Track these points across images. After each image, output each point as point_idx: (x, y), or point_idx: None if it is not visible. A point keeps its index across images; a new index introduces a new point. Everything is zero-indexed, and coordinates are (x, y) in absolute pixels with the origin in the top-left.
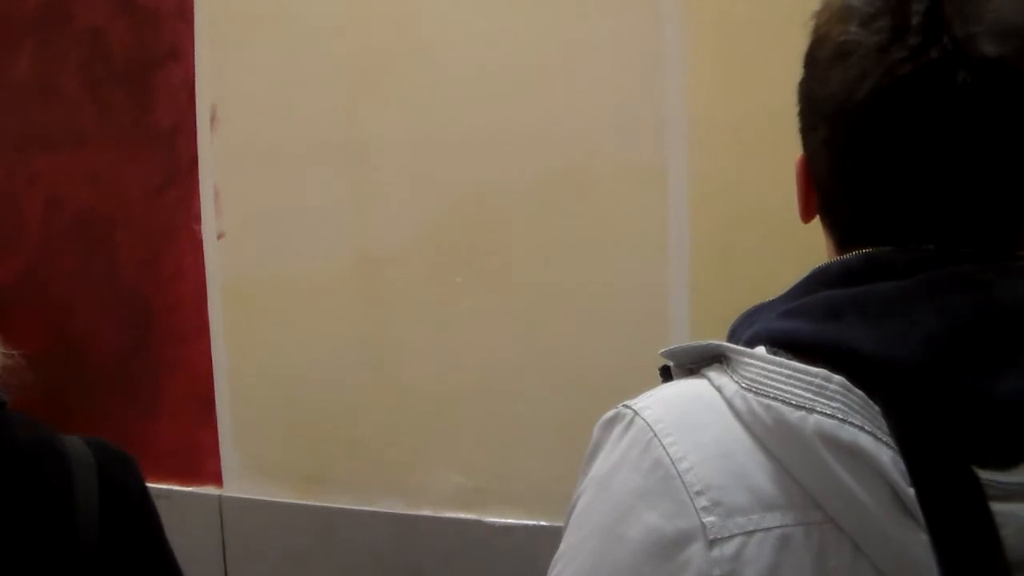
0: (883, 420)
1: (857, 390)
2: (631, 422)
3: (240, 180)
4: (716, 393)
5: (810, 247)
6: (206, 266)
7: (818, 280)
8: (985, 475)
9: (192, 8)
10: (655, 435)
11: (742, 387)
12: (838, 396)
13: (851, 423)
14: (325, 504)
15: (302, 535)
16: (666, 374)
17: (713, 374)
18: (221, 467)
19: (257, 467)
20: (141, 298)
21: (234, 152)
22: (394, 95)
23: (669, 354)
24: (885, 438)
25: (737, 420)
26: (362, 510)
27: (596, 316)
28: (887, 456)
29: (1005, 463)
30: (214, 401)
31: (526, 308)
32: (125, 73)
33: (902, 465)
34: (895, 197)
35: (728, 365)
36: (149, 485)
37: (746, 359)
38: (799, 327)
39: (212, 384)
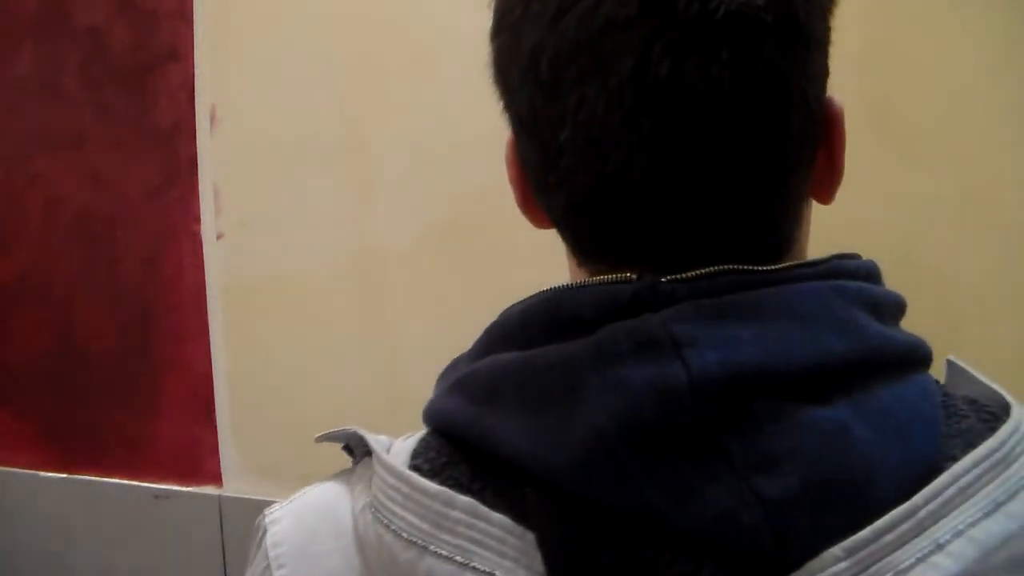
0: (537, 552)
1: (495, 516)
2: (261, 540)
3: (240, 180)
4: (351, 504)
5: (812, 246)
6: (206, 266)
7: (496, 334)
8: None
9: (192, 8)
10: (268, 565)
11: (367, 503)
12: (461, 527)
13: (476, 568)
14: None
15: None
16: (350, 450)
17: (358, 473)
18: (221, 467)
19: (257, 467)
20: (141, 298)
21: (234, 152)
22: (394, 95)
23: (323, 439)
24: None
25: (357, 549)
26: None
27: None
28: None
29: None
30: (214, 401)
31: None
32: (125, 73)
33: None
34: (583, 176)
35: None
36: (149, 485)
37: (377, 464)
38: (455, 409)
39: (212, 384)
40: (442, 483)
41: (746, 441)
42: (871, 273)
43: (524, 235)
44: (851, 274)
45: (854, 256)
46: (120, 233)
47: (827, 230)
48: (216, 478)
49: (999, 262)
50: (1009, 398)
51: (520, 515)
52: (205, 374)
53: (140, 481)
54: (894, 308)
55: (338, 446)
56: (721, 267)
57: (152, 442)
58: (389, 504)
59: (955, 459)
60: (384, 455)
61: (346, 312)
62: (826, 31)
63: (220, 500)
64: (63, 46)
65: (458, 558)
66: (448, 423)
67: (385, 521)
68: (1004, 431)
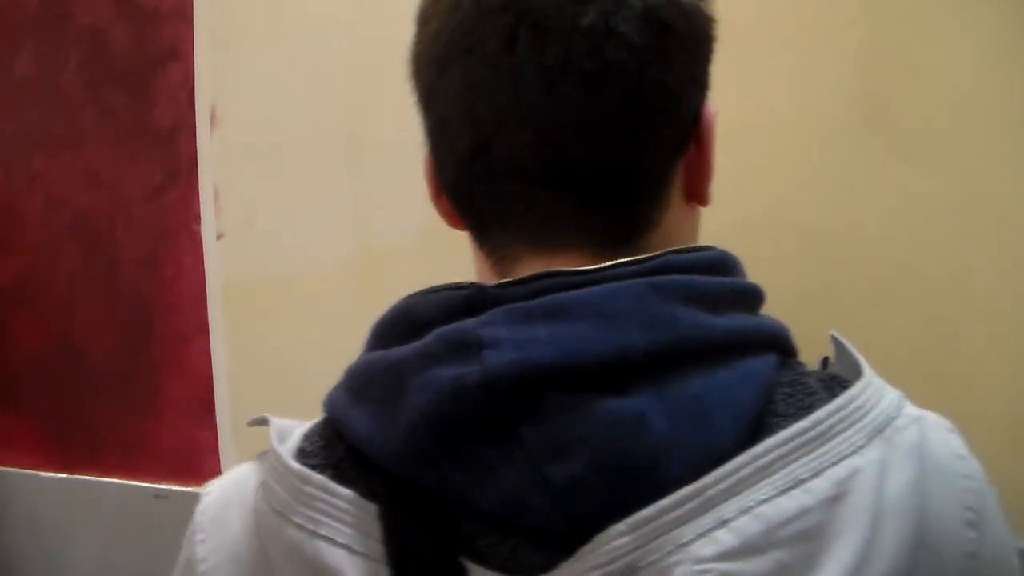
0: (377, 522)
1: (342, 491)
2: (196, 508)
3: (240, 180)
4: (256, 480)
5: (812, 248)
6: (206, 266)
7: (373, 333)
8: None
9: (192, 8)
10: (194, 528)
11: (263, 479)
12: (313, 500)
13: (321, 535)
14: None
15: None
16: None
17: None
18: (221, 467)
19: None
20: (141, 298)
21: (234, 152)
22: (394, 95)
23: (252, 424)
24: (364, 549)
25: (253, 517)
26: None
27: None
28: (356, 573)
29: (515, 571)
30: (214, 401)
31: None
32: (125, 73)
33: None
34: (458, 174)
35: None
36: (149, 485)
37: (270, 446)
38: (336, 399)
39: (212, 384)
40: (316, 463)
41: (540, 430)
42: (712, 264)
43: None
44: (685, 268)
45: (700, 248)
46: (120, 233)
47: (828, 229)
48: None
49: (1000, 262)
50: (866, 371)
51: (371, 492)
52: (205, 374)
53: (140, 481)
54: (732, 296)
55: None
56: (544, 271)
57: (152, 442)
58: (270, 480)
59: None
60: (274, 439)
61: (346, 312)
62: (698, 40)
63: None
64: (63, 46)
65: (309, 527)
66: (329, 410)
67: (266, 494)
68: (823, 411)
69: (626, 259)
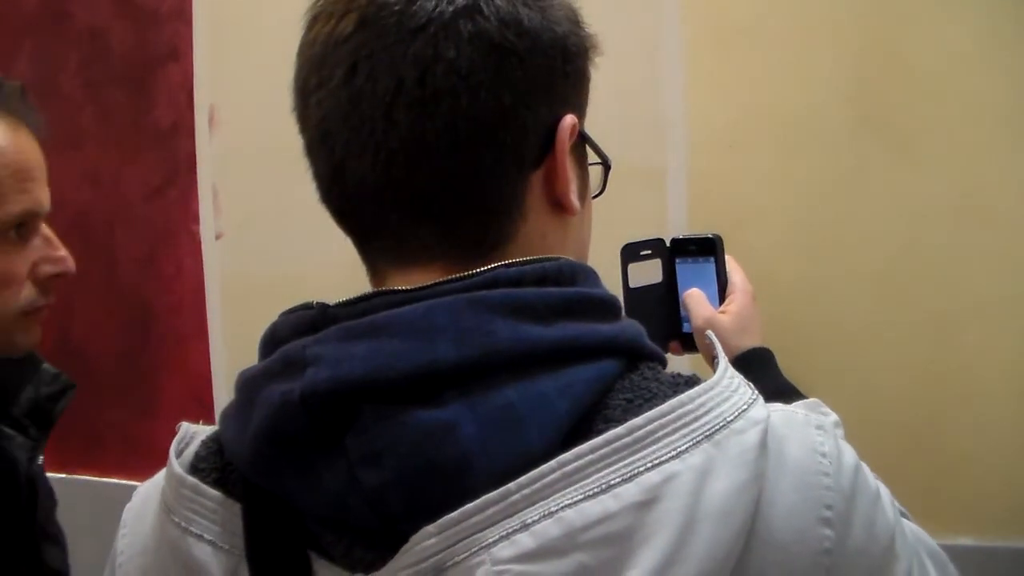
0: (240, 520)
1: (211, 492)
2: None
3: (239, 180)
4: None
5: (810, 249)
6: (205, 266)
7: (258, 347)
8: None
9: (192, 8)
10: (121, 523)
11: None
12: (187, 501)
13: (192, 532)
14: None
15: None
16: None
17: None
18: None
19: None
20: (141, 298)
21: (233, 152)
22: None
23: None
24: (228, 545)
25: (159, 513)
26: None
27: None
28: (220, 567)
29: (352, 566)
30: (213, 401)
31: None
32: (125, 73)
33: (245, 573)
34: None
35: None
36: None
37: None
38: (225, 408)
39: (211, 384)
40: (206, 466)
41: (359, 439)
42: (546, 275)
43: None
44: (514, 280)
45: (538, 260)
46: (119, 233)
47: (827, 227)
48: None
49: (999, 261)
50: (719, 372)
51: (238, 494)
52: (204, 374)
53: (140, 481)
54: (565, 306)
55: None
56: (376, 290)
57: (151, 442)
58: (165, 482)
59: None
60: (173, 444)
61: None
62: (545, 58)
63: None
64: (63, 46)
65: (183, 524)
66: (218, 419)
67: (162, 495)
68: (641, 418)
69: (452, 276)
